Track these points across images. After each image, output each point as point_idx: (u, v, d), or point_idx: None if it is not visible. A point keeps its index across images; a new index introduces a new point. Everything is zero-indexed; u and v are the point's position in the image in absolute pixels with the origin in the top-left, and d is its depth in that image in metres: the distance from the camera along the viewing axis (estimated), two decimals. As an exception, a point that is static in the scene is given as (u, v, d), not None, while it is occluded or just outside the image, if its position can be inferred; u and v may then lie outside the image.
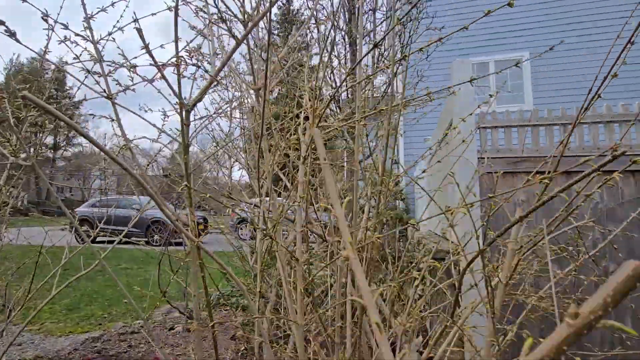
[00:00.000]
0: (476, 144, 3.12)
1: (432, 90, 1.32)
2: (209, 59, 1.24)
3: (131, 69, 1.02)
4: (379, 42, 0.99)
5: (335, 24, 4.18)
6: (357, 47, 2.54)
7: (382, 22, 4.69)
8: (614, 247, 2.40)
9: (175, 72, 0.91)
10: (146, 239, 11.04)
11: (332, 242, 1.23)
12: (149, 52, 0.88)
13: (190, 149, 2.00)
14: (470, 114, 2.33)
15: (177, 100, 1.01)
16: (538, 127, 2.95)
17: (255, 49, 1.44)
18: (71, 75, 1.06)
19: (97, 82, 1.06)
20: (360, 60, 1.12)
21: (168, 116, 1.18)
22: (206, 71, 1.10)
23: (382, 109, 1.04)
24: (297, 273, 0.94)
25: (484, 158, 2.93)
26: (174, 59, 0.90)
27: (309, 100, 1.01)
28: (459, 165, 2.44)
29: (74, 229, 1.73)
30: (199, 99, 1.05)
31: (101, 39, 1.06)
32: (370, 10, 5.09)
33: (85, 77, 1.18)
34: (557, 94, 8.97)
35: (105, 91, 1.06)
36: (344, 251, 0.39)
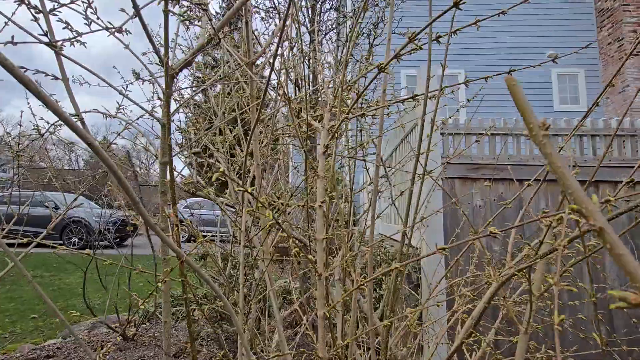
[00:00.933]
0: (439, 149, 3.17)
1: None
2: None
3: (88, 7, 0.71)
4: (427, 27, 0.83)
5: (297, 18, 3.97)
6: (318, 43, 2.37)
7: (345, 21, 4.61)
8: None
9: (164, 8, 0.64)
10: (61, 242, 9.59)
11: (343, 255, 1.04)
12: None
13: (121, 142, 1.63)
14: (451, 118, 2.31)
15: (160, 59, 0.73)
16: (495, 137, 3.09)
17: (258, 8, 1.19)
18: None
19: (36, 19, 0.72)
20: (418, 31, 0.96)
21: (143, 80, 0.88)
22: (209, 17, 0.82)
23: (417, 95, 0.89)
24: (318, 293, 0.73)
25: (446, 163, 2.98)
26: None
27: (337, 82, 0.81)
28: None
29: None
30: (190, 60, 0.79)
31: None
32: (332, 8, 5.00)
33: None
34: (484, 109, 9.90)
35: (47, 34, 0.73)
36: None
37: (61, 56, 0.76)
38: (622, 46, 10.19)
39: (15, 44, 0.72)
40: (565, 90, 10.89)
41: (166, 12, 0.65)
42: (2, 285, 5.61)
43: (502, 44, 10.70)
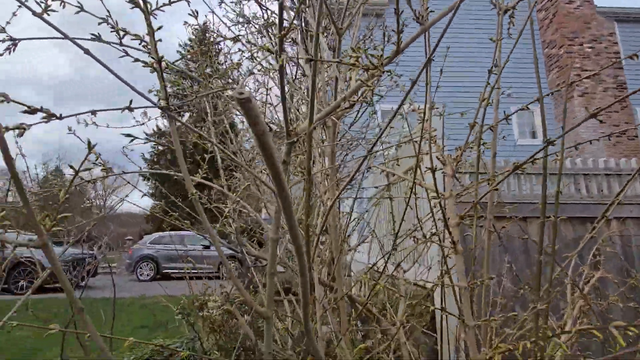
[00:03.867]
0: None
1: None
2: None
3: None
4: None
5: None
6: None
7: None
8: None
9: None
10: (5, 285, 8.43)
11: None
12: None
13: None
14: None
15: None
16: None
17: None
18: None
19: None
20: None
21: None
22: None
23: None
24: None
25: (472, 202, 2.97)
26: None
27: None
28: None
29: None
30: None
31: None
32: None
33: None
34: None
35: None
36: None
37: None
38: (570, 88, 11.26)
39: None
40: (524, 125, 11.67)
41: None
42: None
43: (473, 84, 11.28)
